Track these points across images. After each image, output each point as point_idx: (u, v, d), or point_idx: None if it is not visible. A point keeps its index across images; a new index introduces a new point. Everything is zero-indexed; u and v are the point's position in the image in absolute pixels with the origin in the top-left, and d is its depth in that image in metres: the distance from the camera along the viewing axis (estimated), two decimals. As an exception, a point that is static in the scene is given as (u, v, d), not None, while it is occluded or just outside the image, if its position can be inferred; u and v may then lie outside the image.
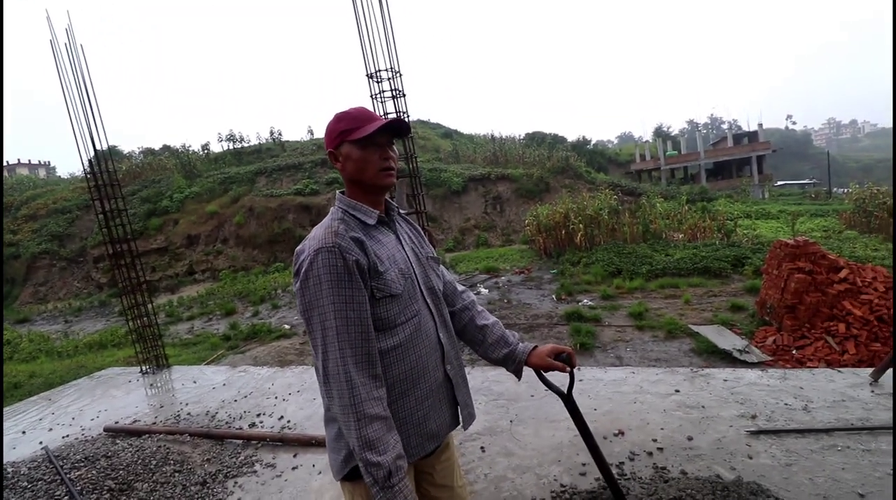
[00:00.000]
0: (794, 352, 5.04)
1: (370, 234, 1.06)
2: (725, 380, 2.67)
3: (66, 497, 2.01)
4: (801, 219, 14.86)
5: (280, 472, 2.33)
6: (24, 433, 3.44)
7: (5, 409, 4.27)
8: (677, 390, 2.61)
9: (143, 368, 4.82)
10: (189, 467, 2.39)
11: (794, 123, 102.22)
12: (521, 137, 34.10)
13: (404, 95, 3.06)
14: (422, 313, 1.11)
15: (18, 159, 49.37)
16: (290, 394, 3.51)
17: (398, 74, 3.06)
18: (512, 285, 10.03)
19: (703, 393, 2.55)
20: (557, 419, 2.38)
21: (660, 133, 49.41)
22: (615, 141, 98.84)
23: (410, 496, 0.94)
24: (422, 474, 1.18)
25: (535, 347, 1.24)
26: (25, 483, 2.07)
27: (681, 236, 12.46)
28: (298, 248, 1.04)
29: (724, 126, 78.97)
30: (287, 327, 8.59)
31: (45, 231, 19.35)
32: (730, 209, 17.01)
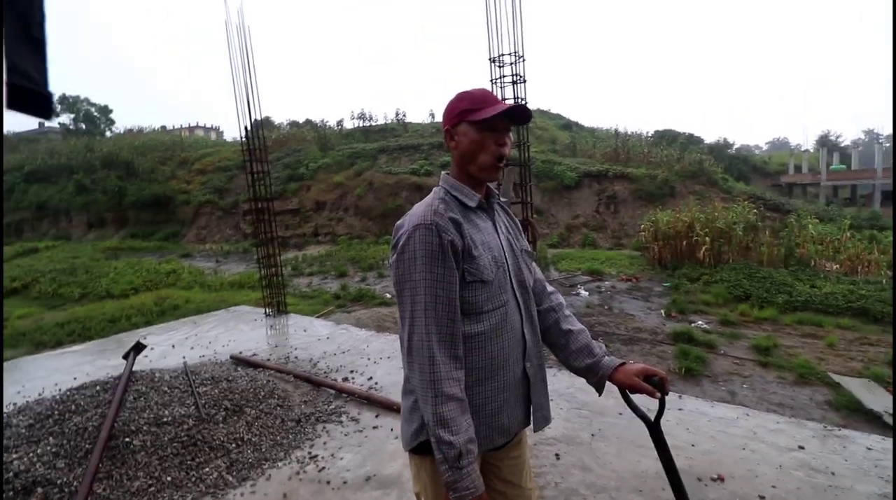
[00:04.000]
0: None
1: (468, 217, 1.07)
2: (869, 448, 2.19)
3: (192, 406, 2.42)
4: None
5: (362, 427, 2.51)
6: (173, 346, 4.22)
7: (166, 323, 5.23)
8: (801, 447, 2.21)
9: (267, 310, 5.53)
10: (289, 404, 2.70)
11: None
12: (650, 135, 31.33)
13: (525, 81, 2.98)
14: (509, 304, 1.09)
15: (196, 122, 58.84)
16: (381, 358, 3.75)
17: (521, 59, 2.97)
18: (616, 292, 9.40)
19: (835, 458, 2.12)
20: (646, 444, 2.16)
21: (825, 142, 41.56)
22: (764, 147, 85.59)
23: (478, 482, 0.94)
24: (489, 465, 1.17)
25: (623, 363, 1.14)
26: (166, 389, 2.54)
27: (836, 267, 10.44)
28: (399, 222, 1.07)
29: (923, 140, 63.64)
30: (388, 295, 9.12)
31: (210, 185, 22.96)
32: (911, 243, 13.78)
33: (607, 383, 1.15)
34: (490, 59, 3.00)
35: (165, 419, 2.25)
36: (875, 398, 4.60)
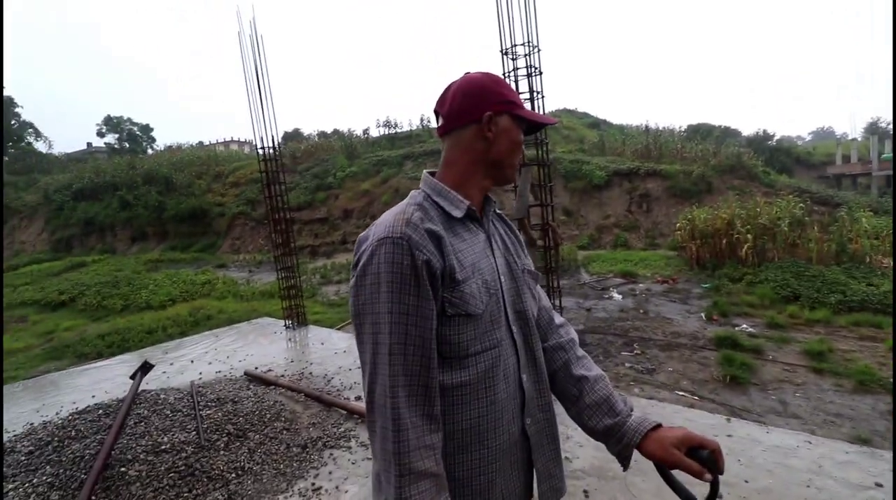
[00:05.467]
0: None
1: (454, 229, 0.82)
2: (969, 487, 1.83)
3: (193, 432, 2.31)
4: None
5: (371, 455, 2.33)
6: (192, 361, 4.19)
7: (193, 336, 5.26)
8: (879, 484, 1.86)
9: (288, 323, 5.48)
10: (296, 427, 2.56)
11: None
12: (683, 129, 30.15)
13: (541, 73, 2.73)
14: (503, 343, 0.84)
15: (231, 137, 61.06)
16: (397, 374, 3.57)
17: (536, 49, 2.73)
18: (651, 295, 8.94)
19: (925, 499, 1.78)
20: (690, 479, 1.89)
21: (874, 130, 38.86)
22: (808, 137, 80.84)
23: None
24: None
25: (658, 426, 0.85)
26: (169, 412, 2.45)
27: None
28: (362, 234, 0.82)
29: None
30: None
31: (243, 196, 23.72)
32: (982, 235, 12.52)
33: (636, 452, 0.87)
34: (502, 52, 2.78)
35: (164, 447, 2.15)
36: (952, 411, 4.10)
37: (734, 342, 5.90)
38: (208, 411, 2.48)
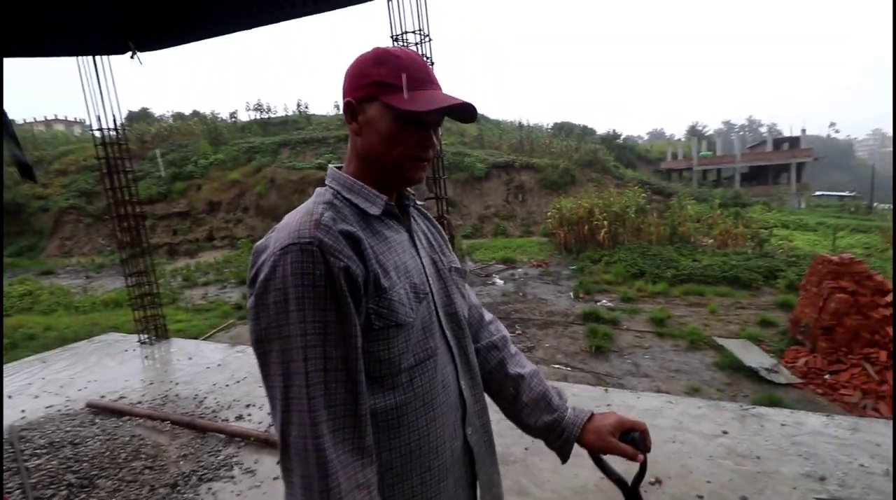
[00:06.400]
0: (827, 377, 4.73)
1: (373, 228, 0.70)
2: (783, 424, 2.28)
3: (18, 492, 1.79)
4: (840, 233, 14.02)
5: (260, 481, 2.07)
6: (9, 397, 3.30)
7: (10, 364, 4.18)
8: (725, 432, 2.24)
9: (142, 337, 4.67)
10: (162, 463, 2.15)
11: (836, 131, 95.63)
12: (549, 127, 33.19)
13: (433, 64, 2.68)
14: (439, 351, 0.74)
15: (56, 115, 50.26)
16: (285, 383, 3.27)
17: (428, 38, 2.67)
18: (528, 278, 9.72)
19: (756, 439, 2.17)
20: (580, 452, 2.04)
21: (694, 132, 47.71)
22: (646, 137, 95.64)
23: None
24: None
25: (591, 416, 0.85)
26: (-26, 472, 1.87)
27: (710, 242, 11.88)
28: (259, 243, 0.66)
29: (763, 129, 75.95)
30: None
31: (74, 187, 19.72)
32: (765, 217, 16.19)
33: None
34: (392, 38, 2.65)
35: (-33, 520, 1.63)
36: (751, 356, 5.24)
37: (597, 316, 6.73)
38: (37, 461, 1.94)
